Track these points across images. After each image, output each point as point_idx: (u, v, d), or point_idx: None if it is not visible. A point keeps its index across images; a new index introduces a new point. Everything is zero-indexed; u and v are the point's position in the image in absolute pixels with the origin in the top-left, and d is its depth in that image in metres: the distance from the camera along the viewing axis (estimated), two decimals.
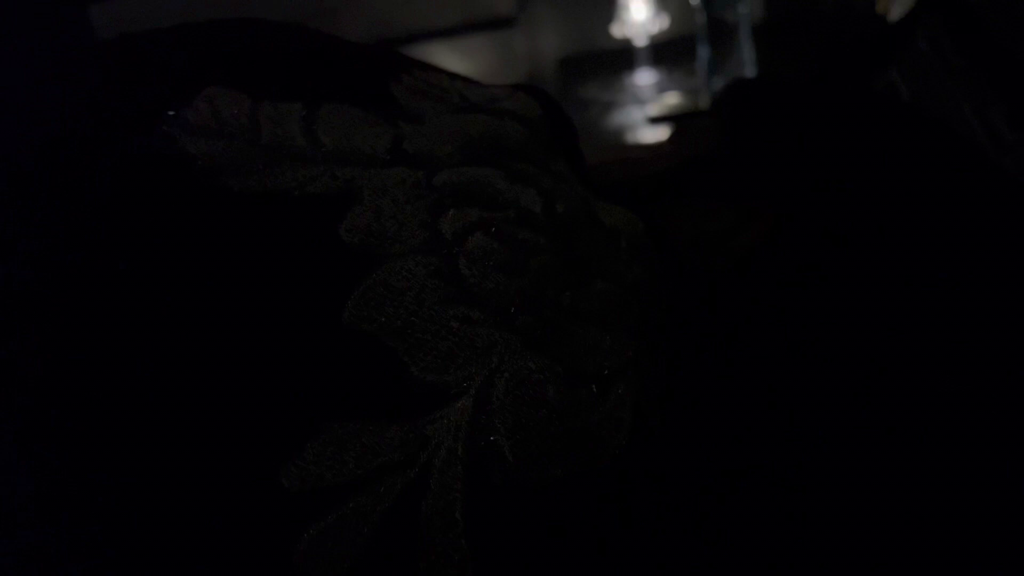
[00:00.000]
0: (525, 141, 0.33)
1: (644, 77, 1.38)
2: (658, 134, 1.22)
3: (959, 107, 0.59)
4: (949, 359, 0.35)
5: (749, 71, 1.22)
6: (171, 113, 0.28)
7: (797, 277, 0.39)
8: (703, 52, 1.21)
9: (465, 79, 0.36)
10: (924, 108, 0.60)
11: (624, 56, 1.44)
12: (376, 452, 0.25)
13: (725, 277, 0.40)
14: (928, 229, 0.39)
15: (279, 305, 0.26)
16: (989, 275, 0.37)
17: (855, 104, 0.48)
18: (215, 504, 0.24)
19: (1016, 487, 0.32)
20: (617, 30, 1.38)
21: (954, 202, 0.39)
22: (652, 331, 0.32)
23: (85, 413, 0.24)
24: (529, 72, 1.53)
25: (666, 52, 1.45)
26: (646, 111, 1.26)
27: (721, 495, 0.31)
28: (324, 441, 0.24)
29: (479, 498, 0.25)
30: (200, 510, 0.24)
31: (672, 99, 1.28)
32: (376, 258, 0.27)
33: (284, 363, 0.25)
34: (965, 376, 0.35)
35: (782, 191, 0.43)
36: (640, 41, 1.36)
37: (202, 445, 0.24)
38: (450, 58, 1.48)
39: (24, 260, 0.26)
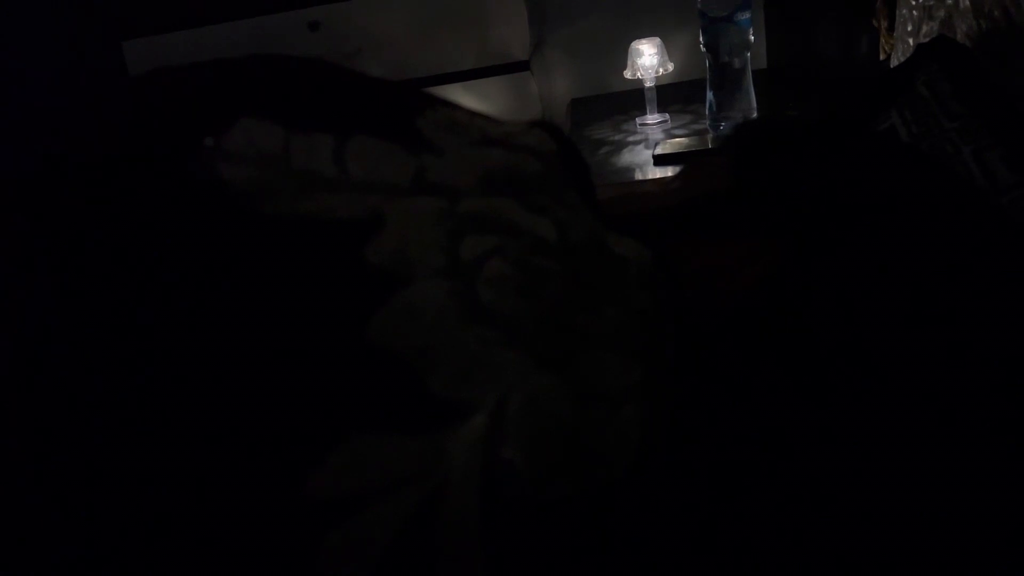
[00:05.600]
0: (541, 174, 0.35)
1: (652, 119, 1.41)
2: (664, 173, 1.24)
3: (958, 149, 0.60)
4: (954, 392, 0.36)
5: (752, 114, 1.24)
6: (209, 141, 0.30)
7: (802, 310, 0.40)
8: (709, 96, 1.24)
9: (484, 116, 0.38)
10: (923, 149, 0.62)
11: (632, 99, 1.47)
12: (396, 463, 0.26)
13: (732, 308, 0.41)
14: (927, 264, 0.40)
15: (307, 322, 0.27)
16: (985, 309, 0.38)
17: (857, 143, 0.49)
18: (243, 508, 0.25)
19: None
20: (627, 74, 1.42)
21: (950, 237, 0.41)
22: (659, 356, 0.33)
23: (138, 420, 0.25)
24: (542, 113, 1.56)
25: (672, 96, 1.48)
26: (653, 151, 1.28)
27: (724, 514, 0.32)
28: (347, 452, 0.25)
29: (494, 511, 0.26)
30: (229, 513, 0.25)
31: (678, 140, 1.31)
32: (399, 280, 0.28)
33: (311, 376, 0.26)
34: (970, 410, 0.36)
35: (788, 227, 0.44)
36: (648, 83, 1.39)
37: (233, 452, 0.25)
38: (466, 100, 1.51)
39: (70, 277, 0.27)
